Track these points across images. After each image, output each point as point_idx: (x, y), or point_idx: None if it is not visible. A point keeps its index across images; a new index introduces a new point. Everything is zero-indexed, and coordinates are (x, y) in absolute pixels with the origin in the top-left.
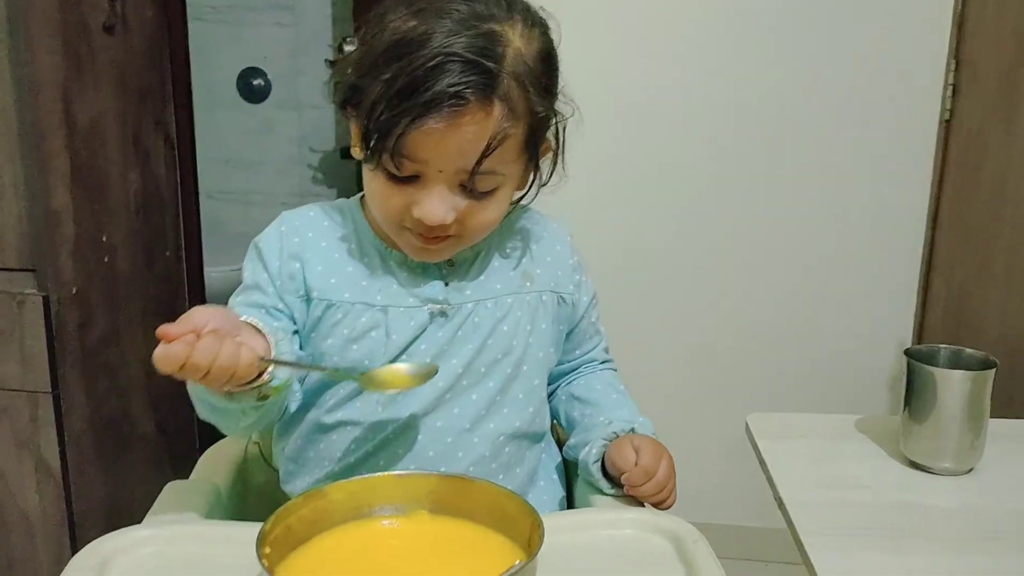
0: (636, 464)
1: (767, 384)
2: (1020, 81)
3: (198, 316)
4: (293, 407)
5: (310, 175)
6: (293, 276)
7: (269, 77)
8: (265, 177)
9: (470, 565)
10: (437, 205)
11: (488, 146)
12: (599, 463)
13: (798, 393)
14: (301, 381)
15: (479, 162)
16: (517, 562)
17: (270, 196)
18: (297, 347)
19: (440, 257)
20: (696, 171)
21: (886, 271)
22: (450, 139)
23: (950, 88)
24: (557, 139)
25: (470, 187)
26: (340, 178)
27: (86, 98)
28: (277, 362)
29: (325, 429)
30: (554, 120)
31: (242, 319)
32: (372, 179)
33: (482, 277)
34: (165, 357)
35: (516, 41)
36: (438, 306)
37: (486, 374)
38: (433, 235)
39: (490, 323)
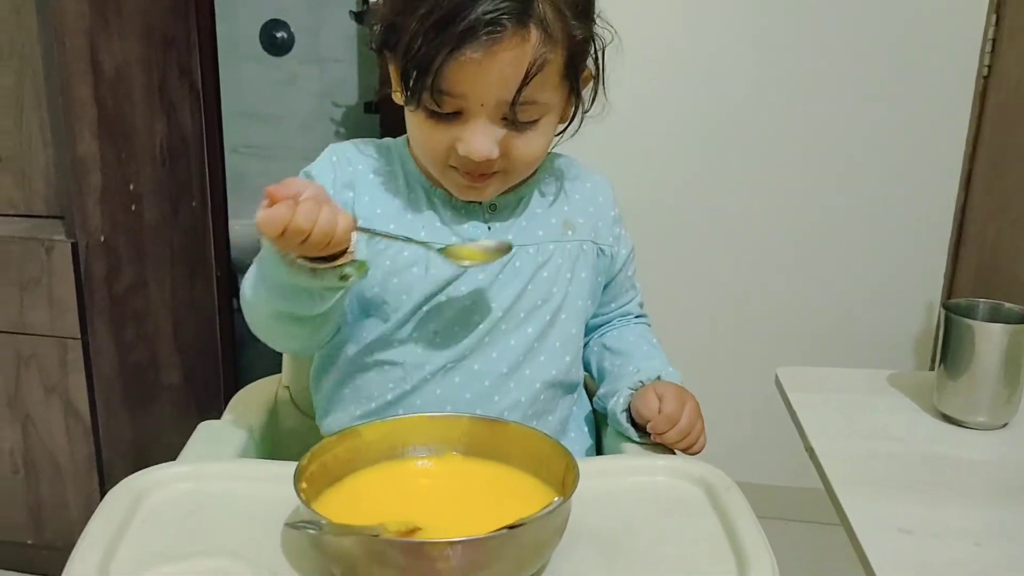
0: (660, 411)
1: (794, 341)
2: None
3: (296, 184)
4: (350, 318)
5: (333, 129)
6: (346, 205)
7: (292, 29)
8: (287, 131)
9: (503, 504)
10: (481, 140)
11: (527, 73)
12: (626, 412)
13: (825, 349)
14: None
15: (519, 91)
16: (556, 499)
17: (292, 150)
18: None
19: (486, 195)
20: (729, 121)
21: (918, 228)
22: (489, 68)
23: (990, 43)
24: (597, 65)
25: (512, 119)
26: (363, 133)
27: (112, 45)
28: (369, 231)
29: (365, 367)
30: (593, 46)
31: None
32: (414, 121)
33: (524, 222)
34: (269, 220)
35: None
36: None
37: (525, 319)
38: (480, 172)
39: (531, 268)
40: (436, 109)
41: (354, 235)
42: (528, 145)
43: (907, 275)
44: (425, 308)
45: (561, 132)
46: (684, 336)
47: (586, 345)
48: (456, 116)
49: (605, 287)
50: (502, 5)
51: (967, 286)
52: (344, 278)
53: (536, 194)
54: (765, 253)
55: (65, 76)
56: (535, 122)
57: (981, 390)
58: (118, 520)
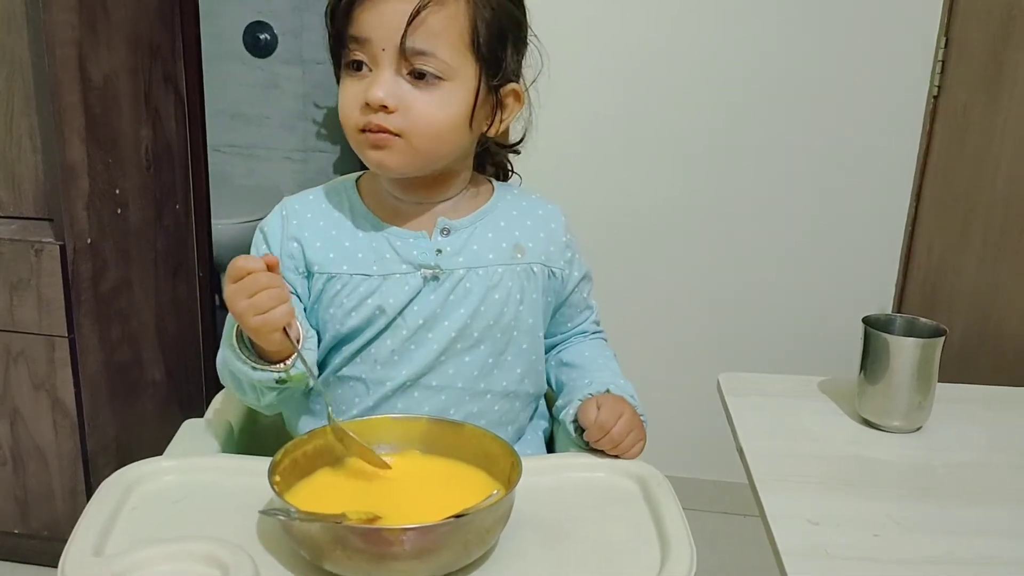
0: (595, 421)
1: (746, 350)
2: (1005, 61)
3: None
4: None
5: (314, 130)
6: (292, 255)
7: (275, 31)
8: (270, 131)
9: (455, 496)
10: (379, 85)
11: (417, 11)
12: (574, 421)
13: (779, 358)
14: (319, 333)
15: (408, 27)
16: (494, 491)
17: (274, 151)
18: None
19: (393, 163)
20: (677, 135)
21: (870, 243)
22: (385, 8)
23: (939, 65)
24: (527, 91)
25: (412, 71)
26: (343, 134)
27: (100, 55)
28: (300, 355)
29: (329, 384)
30: (514, 47)
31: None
32: (340, 89)
33: (475, 247)
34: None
35: None
36: (430, 271)
37: (479, 339)
38: (378, 127)
39: (481, 290)
40: (348, 60)
41: (293, 357)
42: (426, 107)
43: (859, 287)
44: (382, 332)
45: (484, 132)
46: (637, 341)
47: (546, 361)
48: (368, 72)
49: (560, 307)
50: None
51: (915, 301)
52: (281, 382)
53: (487, 222)
54: (723, 267)
55: (55, 84)
56: (435, 84)
57: (896, 397)
58: (111, 507)
